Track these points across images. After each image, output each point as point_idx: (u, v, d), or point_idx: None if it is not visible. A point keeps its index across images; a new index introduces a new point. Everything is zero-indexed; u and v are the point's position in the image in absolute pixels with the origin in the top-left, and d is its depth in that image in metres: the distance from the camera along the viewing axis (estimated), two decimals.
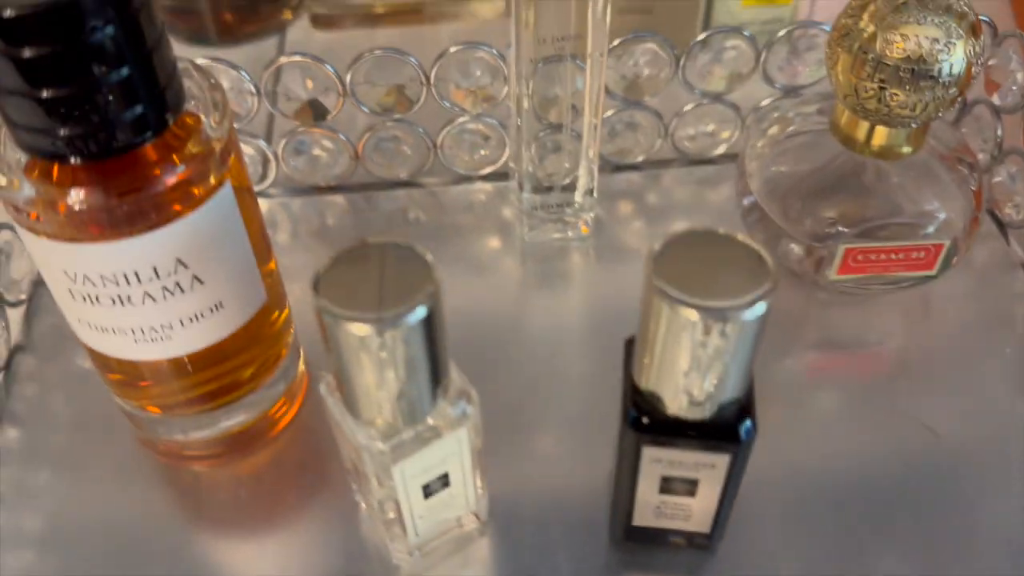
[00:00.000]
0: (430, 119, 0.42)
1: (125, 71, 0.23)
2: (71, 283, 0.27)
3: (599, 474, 0.33)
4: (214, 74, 0.29)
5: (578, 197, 0.40)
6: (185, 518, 0.33)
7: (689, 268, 0.23)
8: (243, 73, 0.39)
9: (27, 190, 0.25)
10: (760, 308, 0.22)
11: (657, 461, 0.26)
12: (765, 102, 0.43)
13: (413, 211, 0.43)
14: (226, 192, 0.27)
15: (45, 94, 0.23)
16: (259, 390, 0.33)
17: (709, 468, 0.26)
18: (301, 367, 0.36)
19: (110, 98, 0.23)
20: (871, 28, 0.31)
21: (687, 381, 0.24)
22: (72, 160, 0.24)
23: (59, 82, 0.23)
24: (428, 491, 0.28)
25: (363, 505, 0.32)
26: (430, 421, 0.26)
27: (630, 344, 0.27)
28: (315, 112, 0.41)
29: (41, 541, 0.32)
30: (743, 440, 0.25)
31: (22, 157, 0.25)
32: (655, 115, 0.43)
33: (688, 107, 0.43)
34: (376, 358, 0.23)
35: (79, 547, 0.32)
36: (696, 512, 0.28)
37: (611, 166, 0.44)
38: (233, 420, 0.33)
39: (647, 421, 0.25)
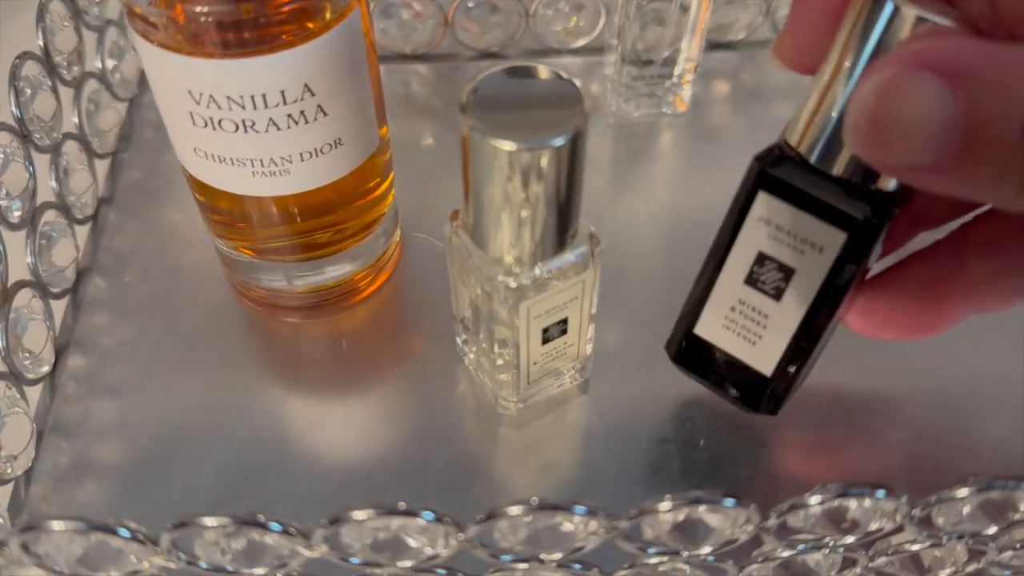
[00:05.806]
0: None
1: None
2: (194, 105, 0.26)
3: None
4: None
5: (678, 71, 0.39)
6: (284, 368, 0.33)
7: None
8: None
9: None
10: None
11: (764, 222, 0.24)
12: None
13: None
14: (355, 19, 0.26)
15: None
16: (359, 246, 0.32)
17: (815, 253, 0.23)
18: (398, 234, 0.35)
19: None
20: None
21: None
22: None
23: None
24: (546, 336, 0.27)
25: (466, 359, 0.32)
26: (559, 261, 0.25)
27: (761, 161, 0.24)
28: None
29: (139, 388, 0.32)
30: (872, 217, 0.22)
31: None
32: None
33: None
34: (517, 181, 0.22)
35: (174, 395, 0.32)
36: (771, 328, 0.25)
37: (707, 44, 0.43)
38: (337, 271, 0.32)
39: (777, 153, 0.23)
